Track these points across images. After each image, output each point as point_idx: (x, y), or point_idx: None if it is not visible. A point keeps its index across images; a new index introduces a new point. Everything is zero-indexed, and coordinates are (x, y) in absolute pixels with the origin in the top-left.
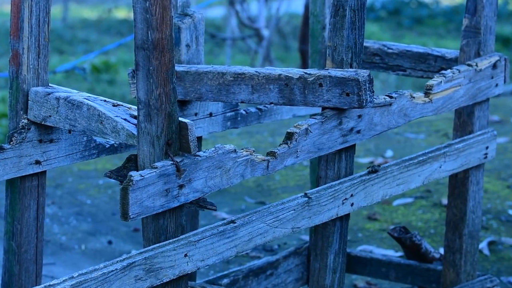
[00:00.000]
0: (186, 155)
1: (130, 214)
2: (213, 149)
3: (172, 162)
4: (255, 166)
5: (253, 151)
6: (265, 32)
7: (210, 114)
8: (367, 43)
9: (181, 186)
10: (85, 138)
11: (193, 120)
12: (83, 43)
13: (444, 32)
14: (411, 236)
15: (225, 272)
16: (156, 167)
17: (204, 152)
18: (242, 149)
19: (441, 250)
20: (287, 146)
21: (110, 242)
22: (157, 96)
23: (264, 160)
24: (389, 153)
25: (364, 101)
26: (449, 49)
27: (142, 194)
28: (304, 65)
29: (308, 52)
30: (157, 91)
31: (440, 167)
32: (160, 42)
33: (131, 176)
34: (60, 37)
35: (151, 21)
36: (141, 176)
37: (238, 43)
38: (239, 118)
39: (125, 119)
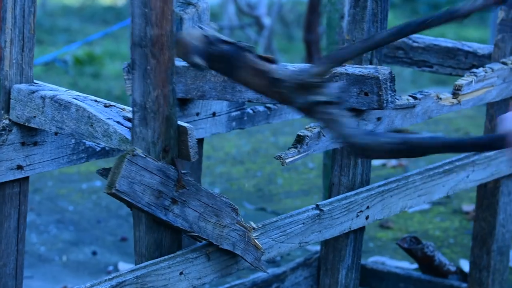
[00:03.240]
0: (191, 181)
1: (116, 185)
2: (218, 192)
3: (175, 169)
4: (249, 247)
5: (253, 228)
6: (266, 20)
7: (214, 114)
8: None
9: (174, 201)
10: (73, 141)
11: (194, 121)
12: (64, 33)
13: (466, 20)
14: (423, 247)
15: (226, 286)
16: (160, 160)
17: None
18: (241, 221)
19: (461, 262)
20: (296, 150)
21: (94, 253)
22: (154, 98)
23: (257, 247)
24: None
25: (385, 101)
26: (481, 44)
27: (136, 175)
28: (310, 57)
29: (313, 42)
30: (154, 92)
31: (468, 176)
32: (159, 39)
33: (134, 148)
34: (38, 26)
35: (150, 16)
36: (144, 155)
37: (236, 32)
38: (245, 118)
39: (118, 122)
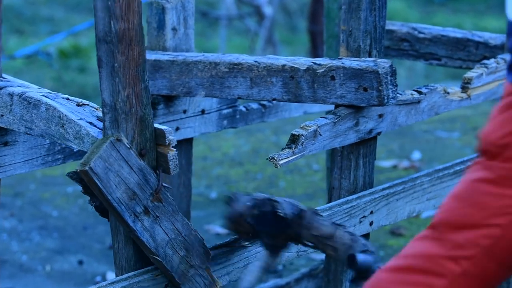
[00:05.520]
0: (170, 199)
1: (91, 163)
2: (192, 226)
3: (156, 177)
4: None
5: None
6: (267, 10)
7: (203, 112)
8: (393, 26)
9: (147, 211)
10: (47, 141)
11: (181, 119)
12: (48, 22)
13: (484, 8)
14: None
15: None
16: (142, 160)
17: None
18: (210, 270)
19: None
20: (291, 151)
21: (80, 262)
22: (125, 98)
23: None
24: (416, 155)
25: (385, 97)
26: (493, 33)
27: (115, 162)
28: (314, 49)
29: (318, 33)
30: (124, 92)
31: None
32: (126, 33)
33: (120, 135)
34: (19, 15)
35: (113, 9)
36: (129, 146)
37: (234, 23)
38: (237, 116)
39: (90, 123)
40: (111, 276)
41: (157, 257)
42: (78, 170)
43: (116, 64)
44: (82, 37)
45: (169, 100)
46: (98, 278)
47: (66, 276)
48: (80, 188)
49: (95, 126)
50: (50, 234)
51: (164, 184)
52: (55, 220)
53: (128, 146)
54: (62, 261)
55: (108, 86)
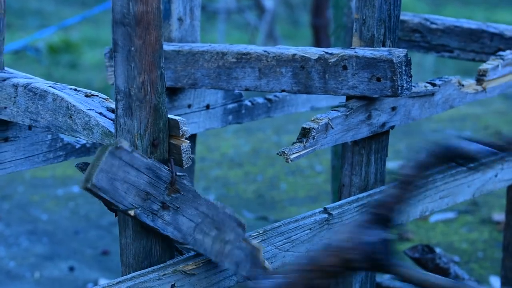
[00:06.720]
0: (187, 186)
1: (93, 179)
2: (219, 204)
3: (169, 170)
4: (256, 269)
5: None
6: (268, 3)
7: (207, 106)
8: (404, 16)
9: (165, 206)
10: (49, 136)
11: (186, 114)
12: (37, 16)
13: (497, 0)
14: (434, 258)
15: None
16: (148, 156)
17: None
18: (248, 239)
19: (492, 279)
20: (302, 145)
21: (71, 269)
22: (140, 85)
23: (267, 270)
24: None
25: (400, 88)
26: (508, 25)
27: (119, 171)
28: (318, 44)
29: (322, 27)
30: (140, 78)
31: (496, 176)
32: (145, 16)
33: (120, 141)
34: (6, 8)
35: None
36: (130, 150)
37: (233, 16)
38: (243, 111)
39: (100, 113)
40: (103, 282)
41: (187, 246)
42: (81, 188)
43: (132, 48)
44: (73, 31)
45: (173, 93)
46: (90, 285)
47: (56, 283)
48: (71, 190)
49: (105, 116)
50: (39, 239)
51: (178, 173)
52: (44, 224)
53: (130, 150)
54: (52, 268)
55: (123, 71)
